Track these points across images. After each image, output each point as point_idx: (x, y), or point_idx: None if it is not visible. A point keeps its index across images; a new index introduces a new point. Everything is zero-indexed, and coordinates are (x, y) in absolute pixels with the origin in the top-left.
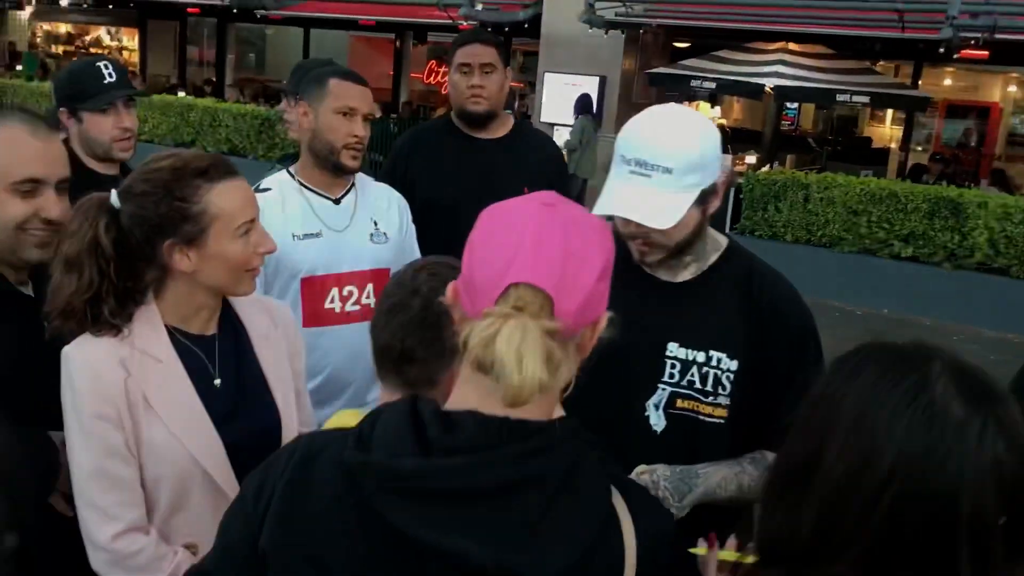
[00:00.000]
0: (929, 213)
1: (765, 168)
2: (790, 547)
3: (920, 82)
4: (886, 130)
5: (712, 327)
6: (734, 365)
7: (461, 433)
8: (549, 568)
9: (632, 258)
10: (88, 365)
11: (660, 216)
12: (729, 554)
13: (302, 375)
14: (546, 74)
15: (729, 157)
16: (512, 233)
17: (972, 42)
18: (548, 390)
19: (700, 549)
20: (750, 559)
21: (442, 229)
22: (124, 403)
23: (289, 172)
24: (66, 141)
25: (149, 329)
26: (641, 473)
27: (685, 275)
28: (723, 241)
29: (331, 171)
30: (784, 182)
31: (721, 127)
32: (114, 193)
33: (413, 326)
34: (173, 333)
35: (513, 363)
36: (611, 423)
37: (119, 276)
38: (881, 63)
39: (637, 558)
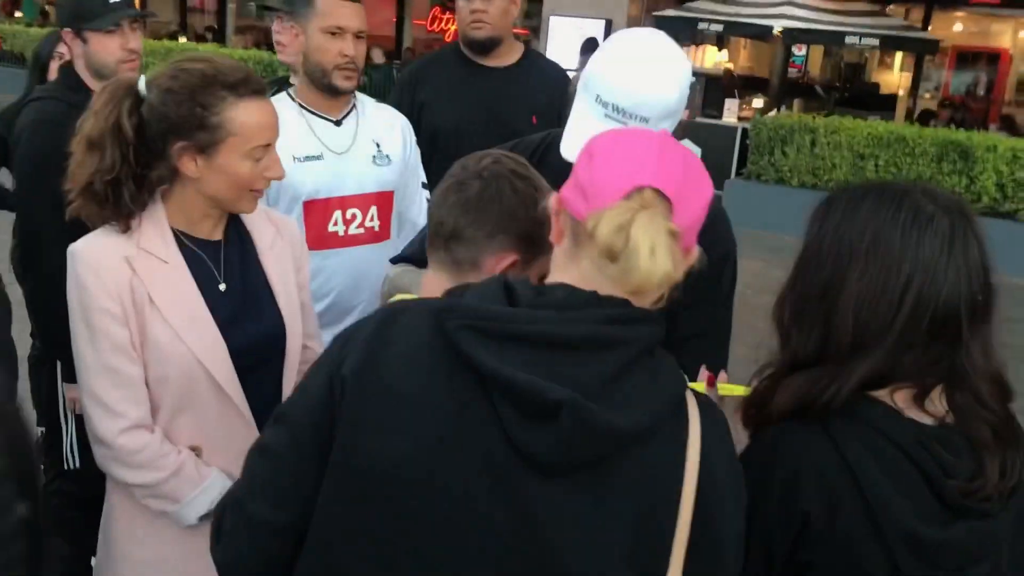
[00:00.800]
0: (937, 157)
1: (772, 113)
2: (826, 351)
3: (930, 27)
4: (894, 77)
5: None
6: None
7: (550, 296)
8: (620, 421)
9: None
10: (94, 261)
11: None
12: (733, 388)
13: (307, 287)
14: (551, 17)
15: (736, 102)
16: (640, 144)
17: None
18: (669, 284)
19: (698, 385)
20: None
21: (449, 156)
22: (129, 300)
23: (289, 94)
24: (70, 63)
25: (155, 231)
26: None
27: None
28: None
29: (326, 92)
30: (791, 126)
31: (728, 72)
32: (142, 79)
33: (468, 206)
34: (179, 236)
35: (647, 250)
36: None
37: (138, 163)
38: (891, 6)
39: (700, 455)
